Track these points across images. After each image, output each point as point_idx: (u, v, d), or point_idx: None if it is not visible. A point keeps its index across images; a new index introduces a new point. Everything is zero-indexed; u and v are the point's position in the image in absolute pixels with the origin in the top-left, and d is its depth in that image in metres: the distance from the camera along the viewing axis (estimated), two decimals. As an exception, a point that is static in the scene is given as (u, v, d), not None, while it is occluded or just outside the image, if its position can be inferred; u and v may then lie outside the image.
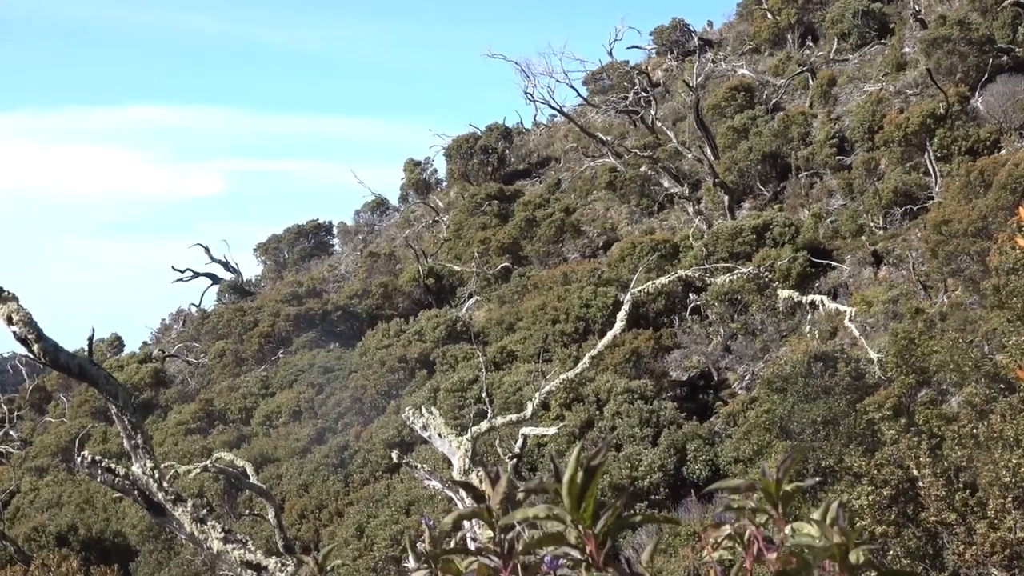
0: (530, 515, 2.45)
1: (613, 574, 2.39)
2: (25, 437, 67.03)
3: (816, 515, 2.57)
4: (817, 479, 20.78)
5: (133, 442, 14.77)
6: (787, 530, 2.61)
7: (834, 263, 49.66)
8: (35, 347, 13.88)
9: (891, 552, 19.30)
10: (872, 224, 50.63)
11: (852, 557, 2.48)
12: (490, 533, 2.56)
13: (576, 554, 2.41)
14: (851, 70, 64.82)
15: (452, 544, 2.85)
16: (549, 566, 2.45)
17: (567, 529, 2.41)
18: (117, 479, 14.96)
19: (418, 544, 2.88)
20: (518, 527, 2.52)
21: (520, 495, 2.56)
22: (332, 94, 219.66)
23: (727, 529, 2.72)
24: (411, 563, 3.00)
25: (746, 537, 2.66)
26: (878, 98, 57.13)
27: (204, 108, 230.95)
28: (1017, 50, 54.27)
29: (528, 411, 26.88)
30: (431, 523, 2.92)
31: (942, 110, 51.76)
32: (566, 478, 2.39)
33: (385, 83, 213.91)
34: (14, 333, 13.85)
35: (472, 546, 2.68)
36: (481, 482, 2.68)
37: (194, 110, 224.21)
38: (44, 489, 53.90)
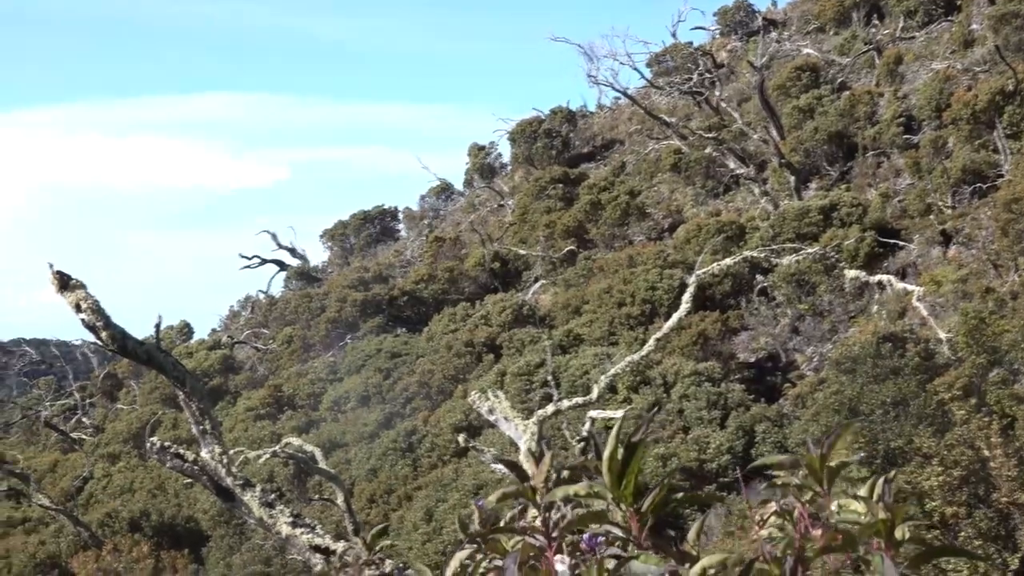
0: (571, 492, 2.44)
1: (657, 551, 2.37)
2: (97, 424, 67.81)
3: (863, 492, 2.54)
4: (862, 455, 20.63)
5: (202, 428, 14.90)
6: (833, 506, 2.58)
7: (902, 243, 49.23)
8: (103, 334, 14.03)
9: (962, 533, 19.16)
10: (940, 203, 50.13)
11: (898, 533, 2.45)
12: (536, 513, 2.55)
13: (618, 532, 2.40)
14: (918, 48, 64.17)
15: (502, 522, 2.84)
16: (588, 544, 2.44)
17: (609, 507, 2.40)
18: (187, 464, 15.10)
19: (469, 525, 2.88)
20: (564, 507, 2.51)
21: (566, 473, 2.55)
22: (394, 83, 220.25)
23: (773, 506, 2.70)
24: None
25: (792, 513, 2.64)
26: (946, 76, 56.50)
27: (270, 96, 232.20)
28: (1089, 24, 53.55)
29: (594, 394, 26.92)
30: (482, 504, 2.92)
31: (1011, 87, 51.12)
32: (606, 455, 2.38)
33: (449, 72, 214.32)
34: (83, 320, 14.00)
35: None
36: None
37: (259, 98, 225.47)
38: (116, 475, 54.44)
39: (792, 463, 2.66)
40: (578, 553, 2.45)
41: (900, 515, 2.46)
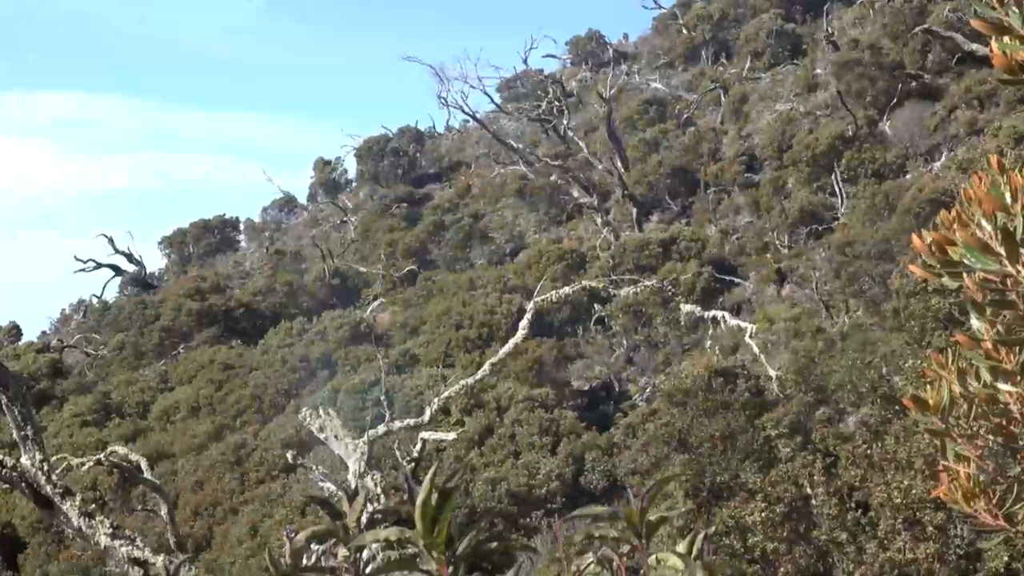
0: (381, 537, 2.36)
1: (467, 602, 2.30)
2: (-86, 424, 65.81)
3: (681, 547, 2.49)
4: (682, 510, 20.86)
5: (23, 433, 14.53)
6: (651, 560, 2.53)
7: (738, 279, 50.00)
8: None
9: (782, 569, 19.41)
10: (777, 242, 51.03)
11: (715, 592, 2.41)
12: (345, 552, 2.47)
13: (428, 579, 2.33)
14: (763, 89, 65.35)
15: (314, 558, 2.75)
16: (394, 594, 2.36)
17: (421, 554, 2.32)
18: (5, 470, 14.70)
19: (275, 557, 2.78)
20: (375, 549, 2.42)
21: (378, 516, 2.47)
22: (242, 93, 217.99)
23: (590, 557, 2.64)
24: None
25: (613, 567, 2.59)
26: (788, 118, 57.63)
27: (114, 98, 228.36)
28: (926, 76, 54.92)
29: (427, 415, 26.86)
30: (292, 535, 2.82)
31: (851, 132, 52.33)
32: (419, 500, 2.30)
33: (298, 85, 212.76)
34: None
35: (332, 563, 2.59)
36: (368, 488, 2.58)
37: (104, 100, 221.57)
38: (-68, 477, 52.90)
39: (612, 515, 2.60)
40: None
41: (719, 574, 2.41)
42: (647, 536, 2.52)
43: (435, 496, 2.29)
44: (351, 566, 2.43)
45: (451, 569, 2.25)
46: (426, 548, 2.28)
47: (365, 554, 2.43)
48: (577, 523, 33.60)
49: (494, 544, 2.41)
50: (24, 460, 14.63)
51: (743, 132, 61.65)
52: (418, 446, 29.21)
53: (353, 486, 21.05)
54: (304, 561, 2.69)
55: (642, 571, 2.51)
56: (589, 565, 2.61)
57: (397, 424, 26.14)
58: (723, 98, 66.20)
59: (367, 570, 2.40)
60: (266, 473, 44.96)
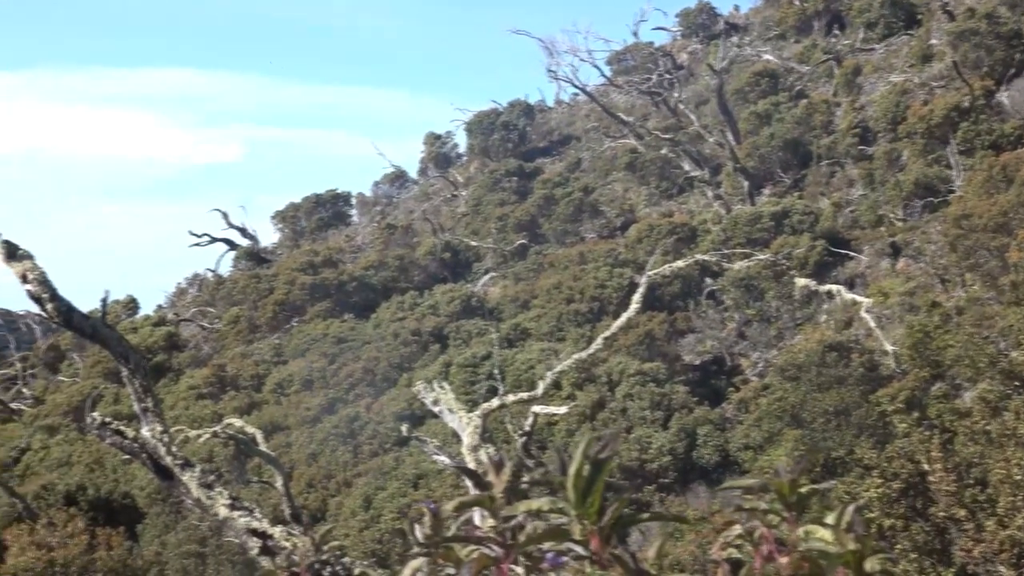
0: (533, 507, 2.38)
1: (618, 572, 2.31)
2: (37, 395, 67.14)
3: (831, 519, 2.48)
4: (833, 483, 20.65)
5: (143, 405, 14.74)
6: (800, 532, 2.53)
7: (852, 253, 49.49)
8: (49, 306, 13.86)
9: (898, 546, 19.22)
10: (892, 215, 50.43)
11: (867, 565, 2.40)
12: (492, 522, 2.49)
13: (580, 550, 2.34)
14: (876, 60, 64.46)
15: (453, 529, 2.77)
16: (551, 562, 2.37)
17: (571, 523, 2.33)
18: (126, 442, 14.94)
19: (417, 528, 2.81)
20: (522, 519, 2.44)
21: (525, 486, 2.49)
22: (352, 66, 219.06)
23: (738, 529, 2.64)
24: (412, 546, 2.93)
25: (756, 537, 2.58)
26: (903, 89, 56.81)
27: (227, 74, 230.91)
28: (1045, 45, 53.93)
29: (539, 390, 26.87)
30: (432, 507, 2.84)
31: (967, 103, 51.47)
32: (572, 471, 2.31)
33: (407, 57, 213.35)
34: (28, 291, 13.84)
35: (475, 533, 2.61)
36: (486, 467, 2.61)
37: (217, 75, 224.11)
38: (54, 448, 53.95)
39: (762, 487, 2.60)
40: (538, 570, 2.39)
41: (869, 547, 2.40)
42: (798, 509, 2.51)
43: (587, 466, 2.30)
44: (499, 536, 2.45)
45: (601, 539, 2.27)
46: (578, 518, 2.30)
47: (511, 524, 2.45)
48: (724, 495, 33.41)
49: (645, 515, 2.43)
50: (145, 431, 14.84)
51: (856, 104, 60.86)
52: (529, 420, 29.26)
53: (466, 460, 21.16)
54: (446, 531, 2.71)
55: (791, 542, 2.51)
56: (736, 536, 2.62)
57: (511, 398, 26.21)
58: (836, 69, 65.41)
59: (517, 540, 2.42)
60: (379, 446, 45.36)
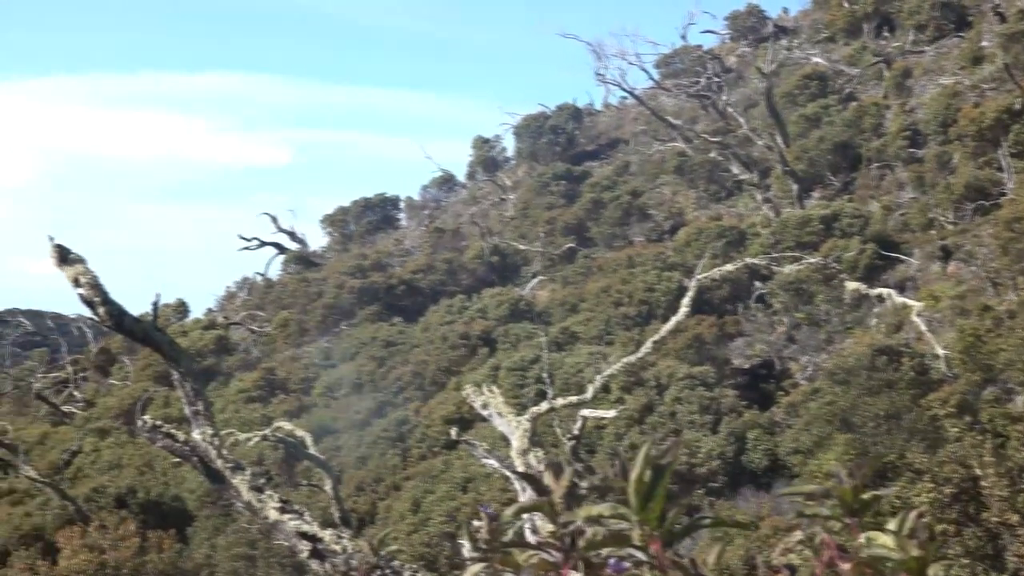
0: (595, 513, 2.37)
1: (679, 577, 2.31)
2: (89, 398, 67.62)
3: (892, 525, 2.47)
4: (893, 488, 20.55)
5: (194, 408, 14.84)
6: (861, 538, 2.51)
7: (902, 256, 49.18)
8: (100, 310, 13.97)
9: (951, 551, 19.10)
10: (942, 218, 50.10)
11: (930, 572, 2.39)
12: (551, 527, 2.48)
13: (640, 555, 2.34)
14: (927, 62, 64.09)
15: (510, 534, 2.77)
16: (614, 568, 2.37)
17: (632, 529, 2.33)
18: (177, 444, 15.04)
19: (475, 532, 2.81)
20: (581, 524, 2.44)
21: (583, 491, 2.49)
22: (400, 68, 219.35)
23: (798, 535, 2.63)
24: (466, 549, 2.94)
25: (816, 543, 2.57)
26: (953, 91, 56.41)
27: (272, 77, 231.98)
28: (1099, 47, 53.45)
29: (588, 393, 26.89)
30: (489, 510, 2.84)
31: (1018, 105, 51.04)
32: (634, 476, 2.31)
33: (454, 59, 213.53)
34: (80, 295, 13.95)
35: (532, 538, 2.61)
36: (543, 472, 2.61)
37: (262, 79, 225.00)
38: (105, 450, 54.31)
39: (823, 493, 2.59)
40: (600, 573, 2.38)
41: (933, 553, 2.39)
42: (860, 515, 2.50)
43: (648, 472, 2.30)
44: (558, 541, 2.45)
45: (662, 545, 2.27)
46: (639, 524, 2.30)
47: (571, 529, 2.45)
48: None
49: (707, 520, 2.42)
50: (196, 435, 14.94)
51: (906, 106, 60.51)
52: (578, 423, 29.26)
53: (516, 464, 21.17)
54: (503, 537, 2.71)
55: (852, 549, 2.50)
56: (796, 542, 2.61)
57: (560, 401, 26.24)
58: (885, 72, 65.06)
59: (578, 545, 2.42)
60: (427, 449, 45.44)
